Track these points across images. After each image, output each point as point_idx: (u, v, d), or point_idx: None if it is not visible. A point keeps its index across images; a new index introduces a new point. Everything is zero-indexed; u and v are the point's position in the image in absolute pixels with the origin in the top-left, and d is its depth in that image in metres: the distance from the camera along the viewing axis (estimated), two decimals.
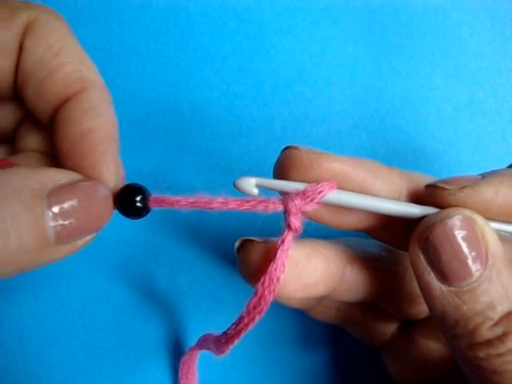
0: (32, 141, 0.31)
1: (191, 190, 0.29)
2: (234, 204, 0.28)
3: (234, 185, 0.28)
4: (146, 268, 0.44)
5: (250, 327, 0.28)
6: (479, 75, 0.47)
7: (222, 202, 0.28)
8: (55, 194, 0.24)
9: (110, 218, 0.27)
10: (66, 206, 0.24)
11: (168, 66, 0.46)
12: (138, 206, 0.28)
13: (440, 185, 0.28)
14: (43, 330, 0.42)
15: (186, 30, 0.47)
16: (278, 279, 0.28)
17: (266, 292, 0.28)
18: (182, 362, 0.40)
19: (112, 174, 0.28)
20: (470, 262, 0.26)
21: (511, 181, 0.28)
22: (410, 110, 0.46)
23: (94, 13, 0.46)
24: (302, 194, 0.28)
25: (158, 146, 0.45)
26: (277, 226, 0.29)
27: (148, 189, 0.29)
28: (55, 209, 0.24)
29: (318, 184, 0.28)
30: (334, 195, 0.28)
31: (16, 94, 0.30)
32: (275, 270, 0.28)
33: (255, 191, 0.28)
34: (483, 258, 0.26)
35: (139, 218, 0.29)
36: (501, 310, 0.26)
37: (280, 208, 0.28)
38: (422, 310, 0.34)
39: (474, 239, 0.26)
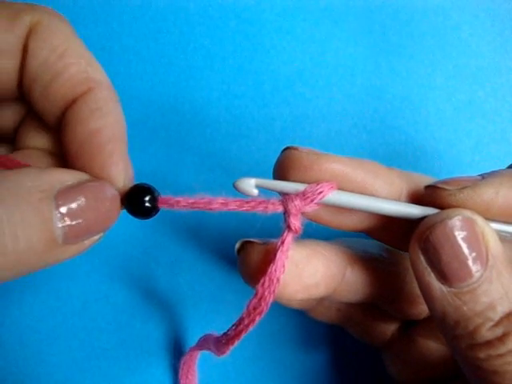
0: (33, 139, 0.31)
1: (191, 190, 0.29)
2: (233, 205, 0.28)
3: (234, 186, 0.28)
4: (146, 268, 0.44)
5: (251, 328, 0.28)
6: (479, 75, 0.47)
7: (221, 203, 0.28)
8: (63, 195, 0.24)
9: (118, 218, 0.27)
10: (73, 206, 0.24)
11: (168, 66, 0.46)
12: (147, 207, 0.28)
13: (440, 185, 0.28)
14: (43, 330, 0.42)
15: (185, 30, 0.47)
16: (278, 280, 0.28)
17: (266, 293, 0.28)
18: (182, 362, 0.40)
19: (120, 173, 0.28)
20: (470, 262, 0.26)
21: (511, 181, 0.28)
22: (409, 110, 0.46)
23: (94, 13, 0.46)
24: (302, 195, 0.28)
25: (158, 146, 0.45)
26: (277, 226, 0.29)
27: (157, 189, 0.28)
28: (63, 209, 0.24)
29: (317, 185, 0.28)
30: (334, 196, 0.28)
31: (19, 94, 0.30)
32: (275, 270, 0.28)
33: (255, 192, 0.28)
34: (483, 258, 0.26)
35: (148, 219, 0.28)
36: (501, 310, 0.26)
37: (280, 209, 0.28)
38: (423, 310, 0.34)
39: (474, 240, 0.26)
